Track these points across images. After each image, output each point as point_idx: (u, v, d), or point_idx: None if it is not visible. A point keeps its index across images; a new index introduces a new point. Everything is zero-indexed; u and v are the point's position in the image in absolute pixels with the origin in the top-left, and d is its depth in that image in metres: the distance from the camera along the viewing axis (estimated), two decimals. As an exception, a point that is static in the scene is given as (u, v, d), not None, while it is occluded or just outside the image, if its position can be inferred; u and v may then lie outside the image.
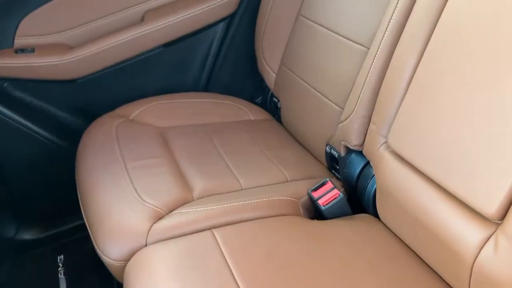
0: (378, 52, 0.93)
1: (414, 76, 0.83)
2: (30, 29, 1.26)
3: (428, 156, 0.78)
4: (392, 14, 0.91)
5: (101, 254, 0.88)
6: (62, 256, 1.41)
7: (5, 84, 1.28)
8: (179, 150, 1.13)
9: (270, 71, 1.36)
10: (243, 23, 1.44)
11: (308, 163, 1.15)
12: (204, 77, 1.50)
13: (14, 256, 1.39)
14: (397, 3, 0.90)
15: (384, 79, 0.91)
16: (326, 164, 1.14)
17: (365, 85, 0.95)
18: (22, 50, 1.25)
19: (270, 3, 1.33)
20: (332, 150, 1.09)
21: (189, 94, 1.43)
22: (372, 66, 0.94)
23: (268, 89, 1.40)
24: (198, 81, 1.50)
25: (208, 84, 1.52)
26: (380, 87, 0.93)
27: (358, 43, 1.02)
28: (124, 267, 0.85)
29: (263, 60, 1.38)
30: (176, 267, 0.78)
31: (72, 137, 1.30)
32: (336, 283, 0.77)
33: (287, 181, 1.07)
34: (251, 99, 1.47)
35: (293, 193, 1.01)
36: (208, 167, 1.07)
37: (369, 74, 0.95)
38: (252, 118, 1.37)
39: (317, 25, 1.17)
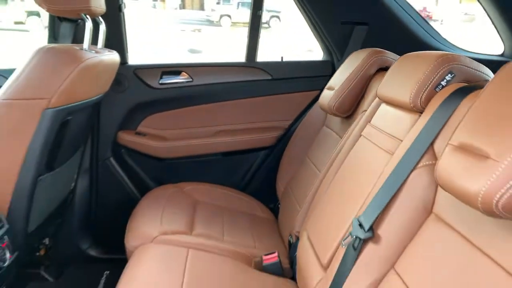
0: (326, 176, 1.50)
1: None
2: (149, 123, 2.10)
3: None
4: (338, 153, 1.50)
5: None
6: (107, 272, 1.99)
7: (122, 150, 2.09)
8: (199, 215, 1.75)
9: (281, 188, 1.97)
10: (276, 153, 2.11)
11: (275, 242, 1.67)
12: (245, 181, 2.16)
13: (78, 264, 2.03)
14: (342, 146, 1.50)
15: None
16: (286, 246, 1.64)
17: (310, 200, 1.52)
18: (139, 133, 2.08)
19: (294, 144, 2.00)
20: (290, 237, 1.61)
21: (230, 189, 2.07)
22: (321, 183, 1.51)
23: (278, 200, 1.99)
24: (241, 182, 2.17)
25: (246, 186, 2.17)
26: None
27: (319, 171, 1.61)
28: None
29: (279, 180, 2.00)
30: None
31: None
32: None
33: (254, 247, 1.59)
34: (267, 204, 2.06)
35: (253, 253, 1.54)
36: (209, 228, 1.66)
37: (316, 188, 1.51)
38: (261, 215, 1.94)
39: (312, 165, 1.78)
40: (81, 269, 2.04)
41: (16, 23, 11.24)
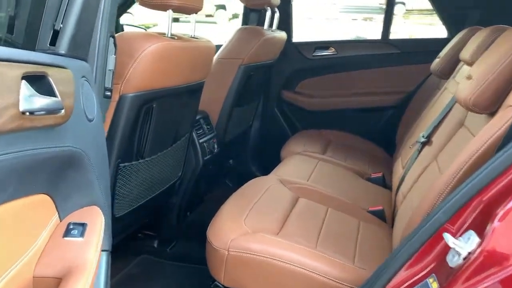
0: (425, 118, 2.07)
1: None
2: (303, 84, 2.87)
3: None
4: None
5: None
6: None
7: (283, 104, 2.92)
8: (330, 148, 2.47)
9: (399, 137, 2.54)
10: (400, 111, 2.68)
11: (384, 169, 2.29)
12: (373, 134, 2.79)
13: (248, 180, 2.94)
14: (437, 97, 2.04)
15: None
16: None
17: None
18: (296, 92, 2.88)
19: (413, 105, 2.54)
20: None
21: (359, 137, 2.71)
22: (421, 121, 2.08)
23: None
24: (369, 133, 2.79)
25: (374, 137, 2.78)
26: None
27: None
28: None
29: (398, 132, 2.57)
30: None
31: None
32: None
33: (368, 169, 2.24)
34: (387, 150, 2.64)
35: (365, 171, 2.20)
36: (336, 155, 2.37)
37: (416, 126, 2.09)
38: (380, 155, 2.55)
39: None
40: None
41: (206, 15, 13.37)
